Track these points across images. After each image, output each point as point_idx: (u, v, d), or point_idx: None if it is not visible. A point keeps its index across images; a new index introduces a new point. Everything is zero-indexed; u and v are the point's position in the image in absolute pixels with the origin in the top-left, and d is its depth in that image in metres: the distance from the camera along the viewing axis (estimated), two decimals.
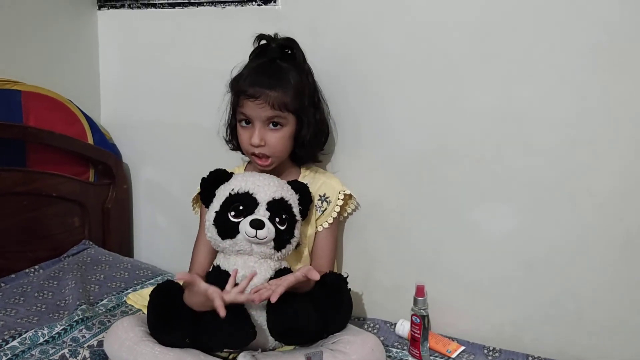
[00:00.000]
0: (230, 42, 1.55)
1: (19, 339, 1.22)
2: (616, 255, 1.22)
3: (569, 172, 1.24)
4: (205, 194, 1.27)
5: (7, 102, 1.51)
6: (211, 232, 1.22)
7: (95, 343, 1.24)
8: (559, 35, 1.20)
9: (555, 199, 1.26)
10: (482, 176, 1.32)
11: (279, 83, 1.26)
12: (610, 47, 1.16)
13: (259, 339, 1.13)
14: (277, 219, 1.20)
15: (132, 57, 1.77)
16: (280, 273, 1.19)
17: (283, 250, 1.21)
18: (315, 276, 1.10)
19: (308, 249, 1.37)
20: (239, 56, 1.35)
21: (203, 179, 1.27)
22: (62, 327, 1.27)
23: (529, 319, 1.32)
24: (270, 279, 1.17)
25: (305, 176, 1.39)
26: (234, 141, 1.40)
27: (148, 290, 1.36)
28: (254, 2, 1.52)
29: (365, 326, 1.40)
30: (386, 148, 1.41)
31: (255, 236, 1.16)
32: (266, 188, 1.22)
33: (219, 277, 1.16)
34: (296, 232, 1.24)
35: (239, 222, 1.18)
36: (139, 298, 1.44)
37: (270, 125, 1.28)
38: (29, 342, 1.22)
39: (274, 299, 1.04)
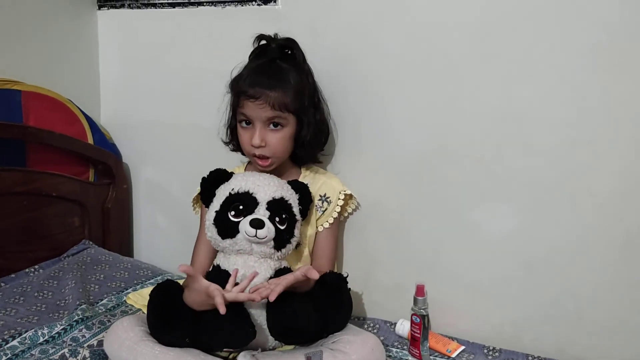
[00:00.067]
0: (230, 42, 1.55)
1: (19, 339, 1.22)
2: (616, 255, 1.22)
3: (569, 172, 1.24)
4: (206, 194, 1.27)
5: (7, 102, 1.51)
6: (211, 231, 1.22)
7: (95, 343, 1.24)
8: (559, 35, 1.20)
9: (555, 199, 1.26)
10: (482, 176, 1.32)
11: (279, 83, 1.26)
12: (610, 47, 1.16)
13: (258, 339, 1.13)
14: (277, 219, 1.20)
15: (132, 57, 1.77)
16: (280, 272, 1.19)
17: (283, 250, 1.21)
18: (315, 275, 1.10)
19: (308, 249, 1.37)
20: (238, 56, 1.36)
21: (203, 178, 1.28)
22: (62, 327, 1.27)
23: (529, 318, 1.32)
24: (270, 278, 1.17)
25: (305, 176, 1.39)
26: (234, 142, 1.40)
27: (148, 290, 1.36)
28: (253, 2, 1.52)
29: (365, 326, 1.40)
30: (386, 148, 1.41)
31: (255, 236, 1.16)
32: (266, 188, 1.22)
33: (219, 276, 1.16)
34: (296, 231, 1.24)
35: (239, 222, 1.18)
36: (139, 298, 1.44)
37: (271, 126, 1.28)
38: (29, 341, 1.22)
39: (272, 298, 1.05)
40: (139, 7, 1.71)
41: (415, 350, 1.23)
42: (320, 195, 1.37)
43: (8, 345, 1.19)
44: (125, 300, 1.45)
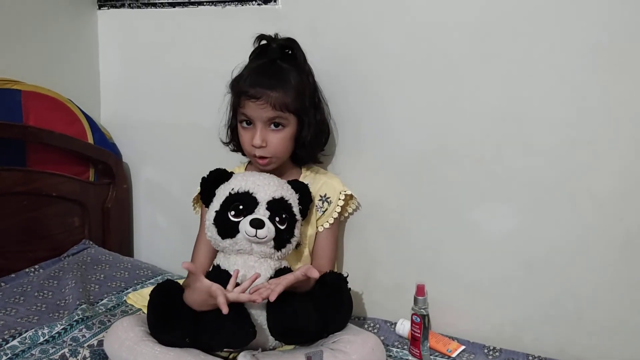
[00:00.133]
0: (231, 41, 1.55)
1: (19, 339, 1.22)
2: (616, 255, 1.22)
3: (569, 172, 1.24)
4: (206, 194, 1.27)
5: (7, 102, 1.51)
6: (211, 231, 1.22)
7: (95, 342, 1.24)
8: (559, 35, 1.20)
9: (555, 199, 1.26)
10: (482, 176, 1.32)
11: (279, 83, 1.26)
12: (610, 47, 1.16)
13: (259, 339, 1.13)
14: (277, 219, 1.20)
15: (132, 56, 1.77)
16: (280, 272, 1.19)
17: (283, 250, 1.21)
18: (315, 274, 1.10)
19: (308, 249, 1.37)
20: (239, 56, 1.36)
21: (203, 178, 1.28)
22: (62, 327, 1.27)
23: (529, 318, 1.32)
24: (271, 278, 1.17)
25: (306, 176, 1.39)
26: (234, 142, 1.40)
27: (148, 289, 1.36)
28: (254, 2, 1.52)
29: (366, 326, 1.40)
30: (386, 148, 1.41)
31: (255, 235, 1.16)
32: (266, 187, 1.22)
33: (219, 276, 1.16)
34: (296, 231, 1.24)
35: (239, 222, 1.18)
36: (139, 298, 1.44)
37: (272, 126, 1.28)
38: (29, 341, 1.22)
39: (272, 298, 1.05)
40: (139, 7, 1.71)
41: (416, 350, 1.23)
42: (321, 196, 1.37)
43: (8, 345, 1.19)
44: (125, 300, 1.45)
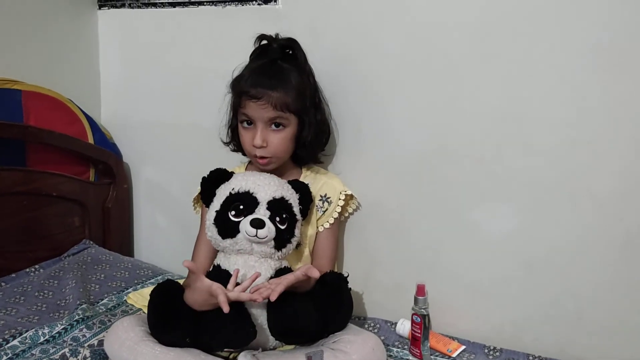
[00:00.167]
0: (231, 41, 1.55)
1: (19, 338, 1.22)
2: (616, 255, 1.23)
3: (569, 172, 1.24)
4: (206, 194, 1.27)
5: (7, 102, 1.51)
6: (212, 231, 1.22)
7: (95, 342, 1.24)
8: (559, 35, 1.20)
9: (555, 199, 1.26)
10: (482, 176, 1.32)
11: (280, 84, 1.26)
12: (610, 47, 1.16)
13: (259, 339, 1.13)
14: (278, 219, 1.20)
15: (133, 56, 1.77)
16: (280, 272, 1.19)
17: (283, 250, 1.21)
18: (315, 274, 1.10)
19: (309, 249, 1.37)
20: (239, 56, 1.36)
21: (203, 178, 1.28)
22: (62, 327, 1.27)
23: (529, 318, 1.32)
24: (271, 278, 1.17)
25: (306, 176, 1.39)
26: (234, 142, 1.40)
27: (148, 289, 1.36)
28: (254, 2, 1.52)
29: (366, 325, 1.40)
30: (386, 148, 1.41)
31: (256, 235, 1.16)
32: (266, 187, 1.22)
33: (219, 276, 1.16)
34: (296, 231, 1.24)
35: (239, 222, 1.18)
36: (140, 297, 1.44)
37: (273, 126, 1.28)
38: (30, 341, 1.22)
39: (273, 298, 1.05)
40: (139, 7, 1.71)
41: (416, 350, 1.23)
42: (321, 196, 1.37)
43: (9, 345, 1.19)
44: (125, 300, 1.45)
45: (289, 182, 1.29)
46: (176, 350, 1.09)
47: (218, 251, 1.27)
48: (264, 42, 1.35)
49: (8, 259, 1.51)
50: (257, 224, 1.16)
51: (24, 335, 1.23)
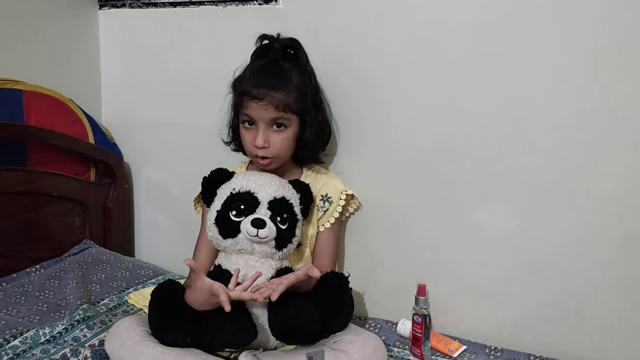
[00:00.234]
0: (231, 41, 1.55)
1: (20, 338, 1.22)
2: (616, 254, 1.23)
3: (569, 172, 1.24)
4: (207, 194, 1.27)
5: (8, 102, 1.51)
6: (212, 231, 1.22)
7: (96, 342, 1.24)
8: (559, 35, 1.20)
9: (555, 199, 1.26)
10: (482, 176, 1.32)
11: (282, 84, 1.26)
12: (610, 47, 1.16)
13: (260, 339, 1.13)
14: (279, 218, 1.20)
15: (133, 56, 1.77)
16: (281, 272, 1.20)
17: (284, 250, 1.21)
18: (316, 273, 1.10)
19: (310, 249, 1.37)
20: (240, 56, 1.36)
21: (204, 178, 1.28)
22: (63, 327, 1.27)
23: (530, 318, 1.32)
24: (272, 278, 1.17)
25: (307, 176, 1.39)
26: (235, 142, 1.40)
27: (149, 289, 1.36)
28: (254, 2, 1.52)
29: (367, 325, 1.40)
30: (387, 148, 1.41)
31: (257, 235, 1.16)
32: (267, 187, 1.22)
33: (220, 276, 1.16)
34: (297, 231, 1.24)
35: (240, 222, 1.19)
36: (140, 298, 1.44)
37: (274, 127, 1.28)
38: (30, 341, 1.22)
39: (274, 298, 1.05)
40: (140, 7, 1.71)
41: (417, 350, 1.23)
42: (322, 195, 1.37)
43: (9, 345, 1.19)
44: (126, 300, 1.45)
45: (290, 181, 1.29)
46: (177, 350, 1.09)
47: (219, 251, 1.27)
48: (266, 42, 1.35)
49: (9, 259, 1.51)
50: (258, 223, 1.16)
51: (25, 335, 1.23)
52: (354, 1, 1.39)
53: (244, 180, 1.23)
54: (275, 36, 1.34)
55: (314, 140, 1.32)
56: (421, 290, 1.23)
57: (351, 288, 1.23)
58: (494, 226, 1.33)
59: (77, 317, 1.31)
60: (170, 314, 1.12)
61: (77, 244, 1.68)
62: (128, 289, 1.50)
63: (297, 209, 1.25)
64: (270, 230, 1.17)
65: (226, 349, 1.17)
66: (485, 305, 1.37)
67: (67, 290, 1.44)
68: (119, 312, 1.39)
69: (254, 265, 1.19)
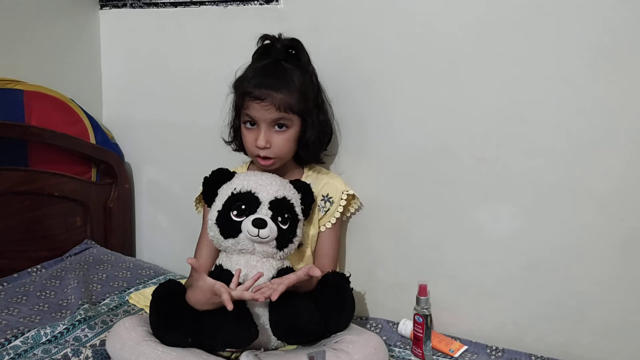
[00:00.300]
0: (232, 41, 1.55)
1: (21, 338, 1.22)
2: (618, 254, 1.23)
3: (570, 172, 1.24)
4: (208, 194, 1.27)
5: (9, 102, 1.51)
6: (213, 231, 1.22)
7: (97, 342, 1.24)
8: (559, 36, 1.20)
9: (557, 199, 1.26)
10: (483, 176, 1.32)
11: (284, 85, 1.26)
12: (611, 47, 1.16)
13: (261, 339, 1.13)
14: (280, 218, 1.20)
15: (134, 56, 1.77)
16: (282, 272, 1.19)
17: (285, 250, 1.21)
18: (317, 273, 1.09)
19: (311, 249, 1.37)
20: (241, 56, 1.36)
21: (205, 178, 1.28)
22: (64, 327, 1.27)
23: (531, 318, 1.32)
24: (273, 278, 1.17)
25: (308, 176, 1.39)
26: (236, 142, 1.40)
27: (150, 289, 1.36)
28: (255, 2, 1.52)
29: (368, 325, 1.40)
30: (389, 148, 1.41)
31: (258, 235, 1.16)
32: (268, 187, 1.22)
33: (221, 276, 1.16)
34: (298, 231, 1.24)
35: (241, 221, 1.18)
36: (141, 297, 1.44)
37: (276, 127, 1.28)
38: (32, 341, 1.22)
39: (274, 297, 1.05)
40: (140, 7, 1.71)
41: (418, 350, 1.23)
42: (323, 195, 1.37)
43: (11, 345, 1.19)
44: (127, 300, 1.45)
45: (291, 181, 1.29)
46: (178, 350, 1.09)
47: (220, 251, 1.27)
48: (267, 42, 1.35)
49: (10, 259, 1.51)
50: (259, 223, 1.16)
51: (26, 335, 1.23)
52: (355, 1, 1.39)
53: (245, 180, 1.23)
54: (277, 36, 1.34)
55: (315, 141, 1.32)
56: (422, 290, 1.23)
57: (352, 288, 1.23)
58: (494, 226, 1.33)
59: (78, 317, 1.31)
60: (172, 314, 1.12)
61: (78, 244, 1.68)
62: (129, 289, 1.50)
63: (298, 209, 1.25)
64: (271, 230, 1.17)
65: (227, 349, 1.17)
66: (487, 305, 1.37)
67: (68, 290, 1.44)
68: (120, 312, 1.39)
69: (255, 265, 1.19)
